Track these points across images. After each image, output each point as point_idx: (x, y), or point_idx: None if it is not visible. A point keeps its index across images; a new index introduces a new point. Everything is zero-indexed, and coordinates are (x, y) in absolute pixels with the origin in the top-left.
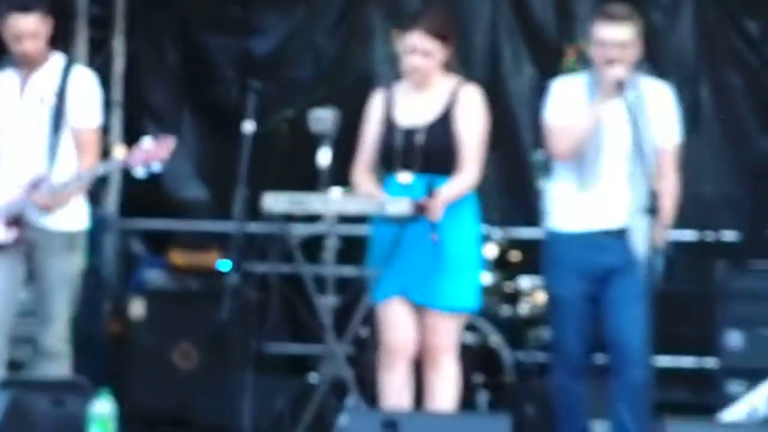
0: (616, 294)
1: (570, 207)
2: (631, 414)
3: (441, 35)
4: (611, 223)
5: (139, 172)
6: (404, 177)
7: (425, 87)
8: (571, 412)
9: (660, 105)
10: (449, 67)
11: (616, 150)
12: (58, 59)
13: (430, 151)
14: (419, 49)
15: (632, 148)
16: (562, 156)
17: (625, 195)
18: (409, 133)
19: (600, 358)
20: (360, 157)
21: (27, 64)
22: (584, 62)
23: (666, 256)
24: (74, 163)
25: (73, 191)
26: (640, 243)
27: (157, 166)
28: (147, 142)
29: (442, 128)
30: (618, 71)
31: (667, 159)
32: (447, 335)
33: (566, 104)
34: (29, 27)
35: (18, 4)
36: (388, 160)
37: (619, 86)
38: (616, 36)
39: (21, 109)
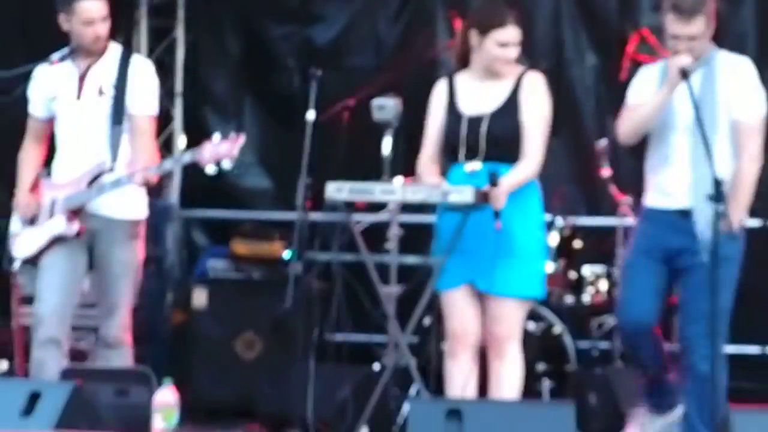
0: (687, 286)
1: (651, 185)
2: (696, 406)
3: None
4: (682, 203)
5: (210, 169)
6: (472, 165)
7: (497, 77)
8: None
9: (737, 78)
10: None
11: (683, 129)
12: (116, 49)
13: (495, 139)
14: (513, 42)
15: (695, 131)
16: (622, 139)
17: (690, 177)
18: (474, 122)
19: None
20: (425, 147)
21: (87, 55)
22: (647, 49)
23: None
24: (130, 152)
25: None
26: (705, 225)
27: (227, 163)
28: (217, 138)
29: (507, 116)
30: (683, 59)
31: (745, 132)
32: (511, 323)
33: (641, 89)
34: (101, 11)
35: None
36: (454, 150)
37: (684, 74)
38: (687, 30)
39: (80, 101)
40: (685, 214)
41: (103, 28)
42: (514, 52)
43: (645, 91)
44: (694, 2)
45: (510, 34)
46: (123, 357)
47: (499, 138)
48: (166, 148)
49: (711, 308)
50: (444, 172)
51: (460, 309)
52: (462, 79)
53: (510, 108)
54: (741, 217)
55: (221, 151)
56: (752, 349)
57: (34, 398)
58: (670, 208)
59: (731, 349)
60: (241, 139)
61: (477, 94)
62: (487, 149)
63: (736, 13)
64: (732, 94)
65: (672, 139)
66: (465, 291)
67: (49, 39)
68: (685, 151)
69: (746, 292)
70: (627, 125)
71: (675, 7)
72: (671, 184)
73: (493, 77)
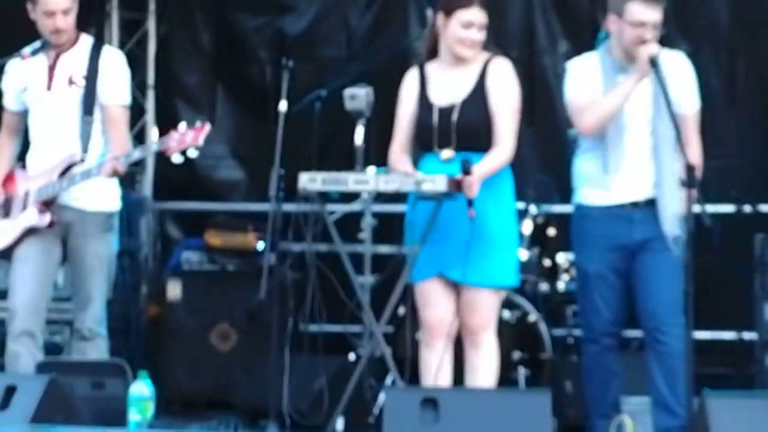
0: (648, 266)
1: (597, 182)
2: (668, 386)
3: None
4: (639, 195)
5: (176, 158)
6: (446, 154)
7: (463, 64)
8: (604, 387)
9: (679, 73)
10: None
11: (639, 124)
12: (86, 41)
13: (465, 128)
14: (477, 23)
15: (657, 120)
16: (588, 132)
17: (650, 167)
18: (445, 111)
19: (637, 334)
20: (396, 136)
21: (56, 47)
22: None
23: (709, 228)
24: (103, 143)
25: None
26: (668, 214)
27: (193, 152)
28: (183, 128)
29: (476, 104)
30: (652, 48)
31: (690, 126)
32: (486, 312)
33: (585, 81)
34: (64, 4)
35: None
36: (427, 140)
37: (653, 62)
38: (653, 17)
39: (50, 92)
40: (647, 204)
41: (64, 21)
42: (478, 34)
43: (590, 84)
44: None
45: (474, 14)
46: (98, 350)
47: (470, 127)
48: (138, 140)
49: (684, 288)
50: (415, 162)
51: (433, 299)
52: (432, 68)
53: (478, 96)
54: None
55: (187, 139)
56: (727, 335)
57: (9, 392)
58: (626, 202)
59: (707, 334)
60: (207, 128)
61: (446, 83)
62: (458, 139)
63: None
64: (678, 91)
65: (625, 135)
66: (438, 281)
67: (21, 33)
68: (644, 145)
69: (721, 278)
70: (593, 119)
71: None
72: (629, 179)
73: (460, 64)
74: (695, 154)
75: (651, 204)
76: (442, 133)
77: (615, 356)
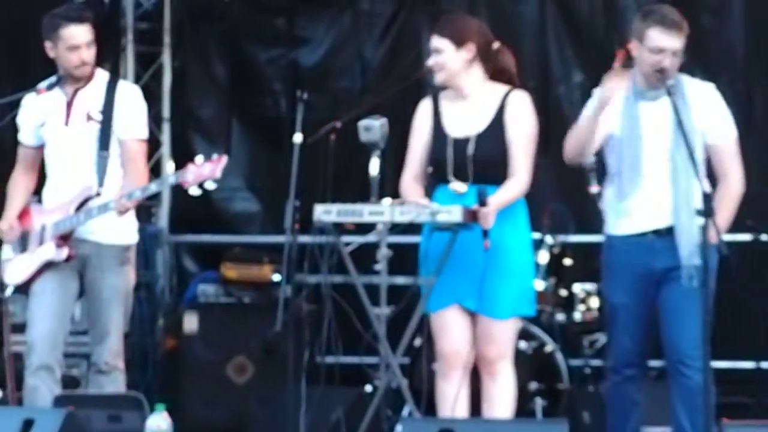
0: (671, 298)
1: (618, 211)
2: (689, 418)
3: (455, 38)
4: (659, 224)
5: (193, 190)
6: (458, 186)
7: (462, 94)
8: (624, 418)
9: (708, 104)
10: (501, 76)
11: (658, 151)
12: (103, 76)
13: (481, 161)
14: (432, 47)
15: (675, 148)
16: (565, 157)
17: (669, 195)
18: (460, 144)
19: (657, 364)
20: (408, 166)
21: (74, 82)
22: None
23: (726, 257)
24: (121, 177)
25: (135, 202)
26: (685, 243)
27: (210, 184)
28: (200, 160)
29: (493, 137)
30: (615, 82)
31: (727, 156)
32: (502, 342)
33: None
34: (87, 36)
35: (73, 16)
36: (441, 171)
37: (668, 90)
38: (673, 44)
39: (68, 128)
40: (666, 233)
41: (89, 53)
42: (432, 59)
43: (608, 109)
44: (678, 17)
45: (434, 43)
46: (115, 383)
47: (486, 159)
48: (154, 173)
49: (703, 320)
50: (429, 193)
51: (449, 329)
52: (446, 98)
53: (496, 129)
54: (721, 233)
55: (205, 172)
56: (746, 365)
57: (27, 425)
58: (647, 230)
59: (725, 364)
60: (224, 160)
61: (462, 115)
62: (474, 171)
63: (723, 27)
64: (706, 122)
65: (642, 162)
66: (455, 311)
67: (38, 67)
68: (663, 174)
69: (739, 307)
70: (568, 144)
71: (663, 19)
72: (648, 207)
73: (468, 97)
74: (734, 184)
75: (671, 232)
76: (457, 165)
77: (636, 387)
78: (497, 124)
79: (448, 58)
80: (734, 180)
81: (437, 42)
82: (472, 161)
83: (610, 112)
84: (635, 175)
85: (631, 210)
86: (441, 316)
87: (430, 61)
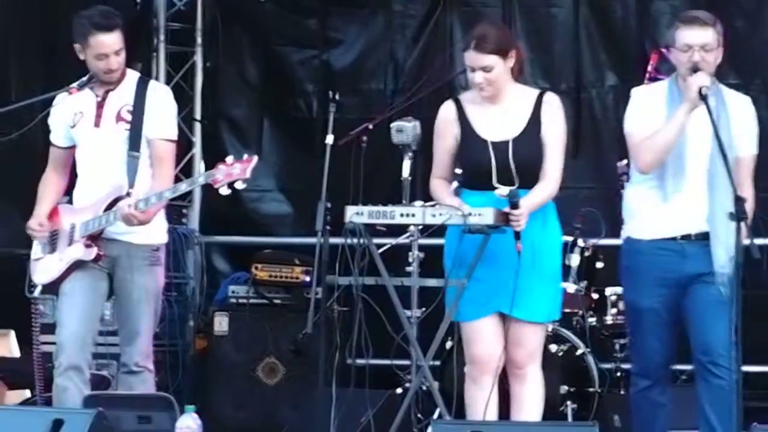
0: (702, 300)
1: (650, 215)
2: (719, 420)
3: (500, 51)
4: (691, 228)
5: (224, 190)
6: (504, 191)
7: (499, 99)
8: (651, 422)
9: (740, 115)
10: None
11: (698, 156)
12: (133, 76)
13: (522, 164)
14: (477, 66)
15: (713, 153)
16: (647, 169)
17: (705, 200)
18: (499, 148)
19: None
20: (436, 167)
21: (104, 83)
22: (667, 67)
23: (757, 261)
24: (150, 177)
25: (157, 207)
26: (721, 248)
27: (241, 185)
28: (230, 160)
29: (531, 139)
30: (701, 78)
31: (744, 169)
32: (532, 346)
33: (647, 113)
34: (115, 45)
35: (102, 24)
36: (482, 176)
37: (702, 93)
38: (700, 39)
39: (99, 129)
40: (697, 238)
41: (117, 61)
42: (479, 77)
43: (650, 114)
44: (707, 14)
45: (469, 57)
46: (145, 383)
47: (526, 163)
48: (186, 173)
49: (734, 321)
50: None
51: (482, 335)
52: (470, 102)
53: (532, 132)
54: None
55: (235, 172)
56: None
57: (57, 426)
58: (678, 235)
59: (755, 368)
60: (255, 161)
61: (495, 118)
62: (514, 174)
63: (756, 33)
64: (737, 132)
65: (686, 167)
66: (492, 319)
67: (69, 69)
68: (700, 177)
69: (764, 311)
70: (648, 156)
71: (687, 17)
72: (685, 211)
73: (501, 101)
74: (746, 196)
75: (703, 237)
76: (498, 170)
77: (663, 391)
78: (533, 127)
79: (499, 73)
80: (747, 193)
81: (484, 60)
82: (512, 164)
83: (647, 115)
84: (679, 179)
85: (665, 214)
86: (477, 324)
87: (478, 79)
